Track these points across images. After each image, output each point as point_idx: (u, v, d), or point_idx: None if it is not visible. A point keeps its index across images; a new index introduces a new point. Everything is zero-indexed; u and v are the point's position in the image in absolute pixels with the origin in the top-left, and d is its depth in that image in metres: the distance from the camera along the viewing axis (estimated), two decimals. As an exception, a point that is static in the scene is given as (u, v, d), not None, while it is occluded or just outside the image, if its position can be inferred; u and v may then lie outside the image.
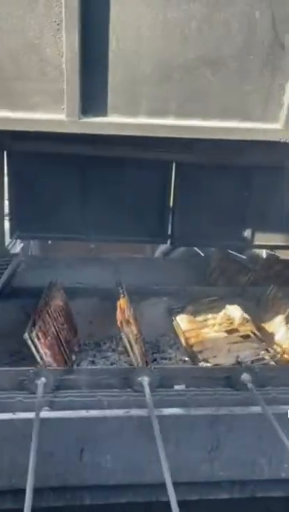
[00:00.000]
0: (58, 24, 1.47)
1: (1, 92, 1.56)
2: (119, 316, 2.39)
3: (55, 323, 2.46)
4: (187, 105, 1.62)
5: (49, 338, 2.25)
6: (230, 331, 2.65)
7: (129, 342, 2.13)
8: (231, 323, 2.74)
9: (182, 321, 2.75)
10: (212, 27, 1.54)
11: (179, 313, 2.91)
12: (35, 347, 2.05)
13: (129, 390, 1.99)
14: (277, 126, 1.71)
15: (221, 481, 1.95)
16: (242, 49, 1.56)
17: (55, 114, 1.59)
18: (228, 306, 2.86)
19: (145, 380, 1.94)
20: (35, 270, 3.32)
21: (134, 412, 1.89)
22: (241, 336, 2.56)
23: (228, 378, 2.04)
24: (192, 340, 2.48)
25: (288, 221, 3.60)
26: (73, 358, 2.52)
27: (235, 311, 2.79)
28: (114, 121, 1.62)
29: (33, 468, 1.51)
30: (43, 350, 2.10)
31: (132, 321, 2.39)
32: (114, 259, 3.73)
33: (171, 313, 2.95)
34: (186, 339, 2.53)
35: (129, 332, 2.14)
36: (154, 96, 1.60)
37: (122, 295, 2.70)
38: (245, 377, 2.02)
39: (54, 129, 1.59)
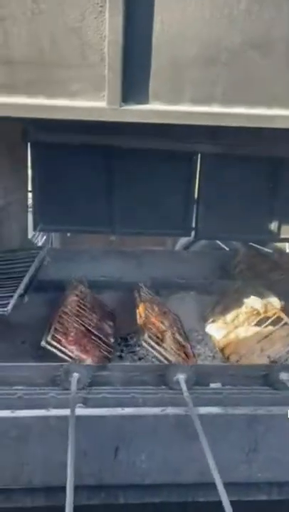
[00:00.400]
0: (101, 6, 1.40)
1: (40, 77, 1.49)
2: (139, 321, 2.40)
3: (76, 318, 2.45)
4: (233, 92, 1.54)
5: (72, 334, 2.24)
6: (260, 322, 2.59)
7: (152, 346, 2.11)
8: (258, 313, 2.68)
9: (212, 331, 2.69)
10: (262, 8, 1.46)
11: (208, 317, 2.84)
12: (58, 349, 2.07)
13: (164, 387, 1.93)
14: None
15: (260, 482, 1.89)
16: (293, 31, 1.48)
17: (95, 102, 1.52)
18: (245, 301, 2.79)
19: (181, 377, 1.88)
20: (60, 263, 3.27)
21: (171, 410, 1.83)
22: (272, 322, 2.50)
23: (265, 377, 1.98)
24: (227, 351, 2.42)
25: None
26: (111, 340, 2.51)
27: (254, 302, 2.73)
28: (156, 109, 1.54)
29: (72, 466, 1.46)
30: (67, 349, 2.10)
31: (151, 322, 2.39)
32: (137, 251, 3.67)
33: (204, 318, 2.89)
34: (222, 350, 2.47)
35: (148, 337, 2.13)
36: (198, 82, 1.53)
37: (138, 300, 2.66)
38: (284, 375, 1.95)
39: (94, 118, 1.52)
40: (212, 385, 1.98)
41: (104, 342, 2.40)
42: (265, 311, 2.64)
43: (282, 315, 2.49)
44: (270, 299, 2.74)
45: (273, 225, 3.68)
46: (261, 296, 2.79)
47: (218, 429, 1.84)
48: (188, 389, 1.85)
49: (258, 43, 1.48)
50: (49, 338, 2.07)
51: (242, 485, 1.88)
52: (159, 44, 1.48)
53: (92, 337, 2.37)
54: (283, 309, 2.62)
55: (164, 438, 1.82)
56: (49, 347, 2.06)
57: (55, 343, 2.07)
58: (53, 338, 2.10)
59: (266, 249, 4.56)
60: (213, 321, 2.73)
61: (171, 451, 1.83)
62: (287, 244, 5.38)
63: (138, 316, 2.47)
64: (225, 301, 2.95)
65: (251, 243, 4.25)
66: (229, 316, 2.69)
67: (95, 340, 2.35)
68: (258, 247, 4.54)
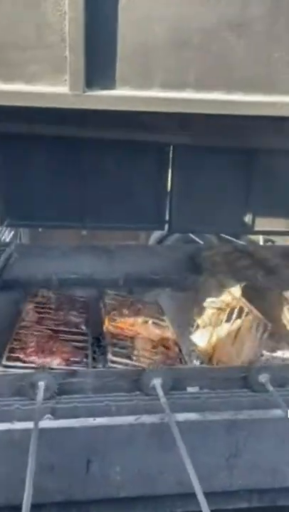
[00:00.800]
0: (59, -22, 1.26)
1: (-6, 59, 1.34)
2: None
3: (38, 325, 2.37)
4: (207, 76, 1.41)
5: (32, 344, 2.15)
6: (229, 317, 2.49)
7: (119, 363, 2.05)
8: (222, 310, 2.59)
9: (196, 339, 2.58)
10: (237, -16, 1.34)
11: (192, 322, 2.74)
12: (18, 367, 1.97)
13: (138, 393, 1.82)
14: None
15: (240, 489, 1.81)
16: (271, 9, 1.36)
17: (56, 87, 1.37)
18: (204, 304, 2.69)
19: (157, 382, 1.77)
20: (28, 260, 3.12)
21: (146, 418, 1.72)
22: (238, 314, 2.39)
23: (244, 378, 1.89)
24: (214, 361, 2.31)
25: (289, 205, 3.47)
26: (83, 327, 2.44)
27: (213, 303, 2.64)
28: (123, 95, 1.40)
29: (31, 485, 1.32)
30: (27, 362, 2.02)
31: (118, 334, 2.32)
32: (109, 246, 3.54)
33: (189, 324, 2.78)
34: (209, 359, 2.37)
35: (112, 356, 2.08)
36: (169, 65, 1.40)
37: (103, 312, 2.55)
38: (263, 377, 1.86)
39: (56, 105, 1.37)
40: (189, 389, 1.88)
41: (75, 333, 2.33)
42: (227, 305, 2.54)
43: (242, 304, 2.41)
44: (231, 289, 2.63)
45: (248, 218, 3.60)
46: (223, 286, 2.70)
47: (197, 436, 1.74)
48: (164, 394, 1.74)
49: (233, 22, 1.36)
50: (4, 361, 1.98)
51: (222, 493, 1.79)
52: (126, 23, 1.34)
53: (61, 335, 2.29)
54: (243, 294, 2.53)
55: (139, 448, 1.72)
56: (8, 369, 1.96)
57: (11, 363, 1.98)
58: (9, 358, 2.01)
59: (240, 242, 4.50)
60: (196, 328, 2.62)
61: (148, 461, 1.73)
62: (260, 236, 5.35)
63: (104, 330, 2.37)
64: (199, 299, 2.84)
65: (225, 235, 4.18)
66: (206, 315, 2.59)
67: (64, 337, 2.27)
68: (232, 239, 4.47)
